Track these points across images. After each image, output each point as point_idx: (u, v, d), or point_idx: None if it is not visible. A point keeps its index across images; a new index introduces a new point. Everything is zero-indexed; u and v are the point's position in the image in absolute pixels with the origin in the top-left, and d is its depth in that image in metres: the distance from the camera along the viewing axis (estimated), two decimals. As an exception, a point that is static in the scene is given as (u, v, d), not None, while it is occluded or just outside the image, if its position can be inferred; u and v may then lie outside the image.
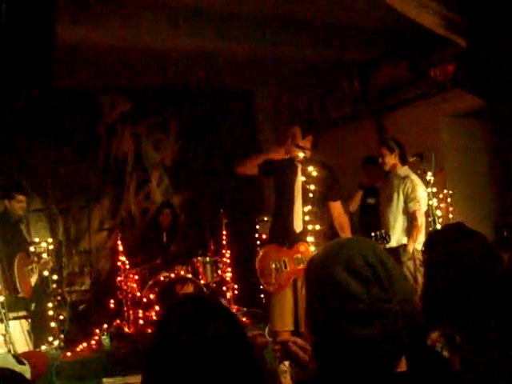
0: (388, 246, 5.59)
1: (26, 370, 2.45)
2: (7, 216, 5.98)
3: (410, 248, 5.49)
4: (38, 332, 5.94)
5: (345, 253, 1.29)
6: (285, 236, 4.65)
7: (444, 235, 2.29)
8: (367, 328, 1.21)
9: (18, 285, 5.43)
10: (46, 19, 3.73)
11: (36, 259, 5.93)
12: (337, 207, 4.89)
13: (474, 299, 1.96)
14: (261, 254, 4.64)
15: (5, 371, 1.72)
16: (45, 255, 6.11)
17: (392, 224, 5.73)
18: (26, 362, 2.53)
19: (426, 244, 2.43)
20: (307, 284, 1.38)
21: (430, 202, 5.27)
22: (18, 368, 2.40)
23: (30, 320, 5.58)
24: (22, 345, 5.24)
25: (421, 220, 5.54)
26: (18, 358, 2.61)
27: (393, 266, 1.29)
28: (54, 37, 3.92)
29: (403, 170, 5.80)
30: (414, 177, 5.66)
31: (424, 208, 5.54)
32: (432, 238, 2.42)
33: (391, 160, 5.80)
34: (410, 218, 5.63)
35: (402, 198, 5.70)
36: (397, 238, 5.63)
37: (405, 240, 5.64)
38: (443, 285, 2.09)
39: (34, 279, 5.81)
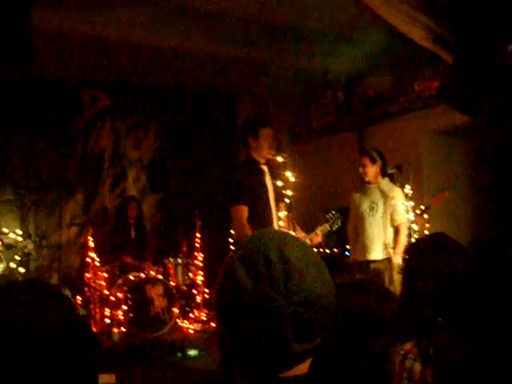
0: (372, 258, 5.51)
1: None
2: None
3: (396, 261, 5.29)
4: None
5: (249, 246, 1.25)
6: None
7: (425, 244, 2.24)
8: (249, 321, 1.17)
9: None
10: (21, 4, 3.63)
11: (3, 249, 5.77)
12: None
13: (450, 311, 1.90)
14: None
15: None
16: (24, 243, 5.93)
17: (376, 236, 5.56)
18: None
19: (406, 252, 2.38)
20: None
21: (407, 216, 5.23)
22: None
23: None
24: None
25: (405, 233, 5.43)
26: None
27: (303, 268, 1.19)
28: (29, 20, 3.80)
29: (385, 182, 5.69)
30: (398, 189, 5.56)
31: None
32: (413, 246, 2.37)
33: (372, 171, 5.65)
34: (395, 230, 5.50)
35: (387, 210, 5.53)
36: (381, 250, 5.50)
37: (387, 254, 5.49)
38: (420, 294, 2.04)
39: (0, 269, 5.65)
